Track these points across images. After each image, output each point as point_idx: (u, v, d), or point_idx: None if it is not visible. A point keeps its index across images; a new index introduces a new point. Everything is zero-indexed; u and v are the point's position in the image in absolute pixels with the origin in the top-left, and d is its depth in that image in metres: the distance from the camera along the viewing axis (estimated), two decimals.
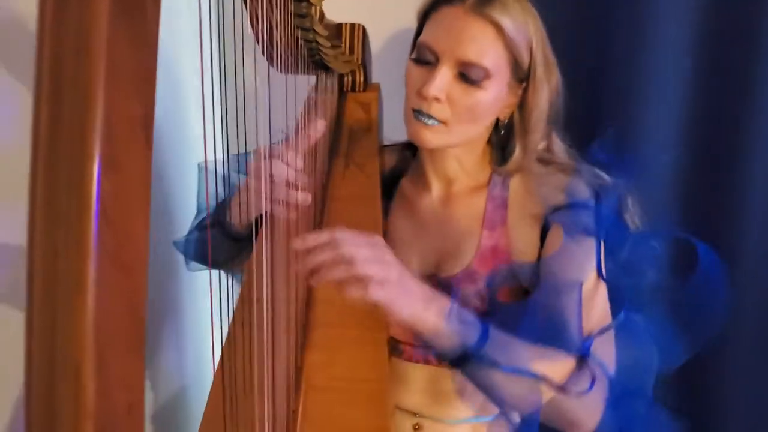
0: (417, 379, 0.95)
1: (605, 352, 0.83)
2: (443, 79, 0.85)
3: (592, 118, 1.28)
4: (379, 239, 0.73)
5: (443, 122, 0.87)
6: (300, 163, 0.80)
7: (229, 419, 0.70)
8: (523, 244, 0.91)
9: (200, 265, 1.03)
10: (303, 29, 0.72)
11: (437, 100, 0.86)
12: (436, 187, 0.99)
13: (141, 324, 0.39)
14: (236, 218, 0.89)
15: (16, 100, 0.89)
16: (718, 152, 1.23)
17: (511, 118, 0.93)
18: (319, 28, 0.73)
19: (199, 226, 1.01)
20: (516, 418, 0.89)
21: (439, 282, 0.93)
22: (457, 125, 0.88)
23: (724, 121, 1.21)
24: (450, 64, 0.85)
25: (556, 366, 0.79)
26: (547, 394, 0.78)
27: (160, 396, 1.28)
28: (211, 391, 0.76)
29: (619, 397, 0.82)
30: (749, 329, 1.26)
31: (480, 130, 0.92)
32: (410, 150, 1.05)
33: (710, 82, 1.21)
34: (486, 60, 0.84)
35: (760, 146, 1.19)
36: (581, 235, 0.86)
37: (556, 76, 0.92)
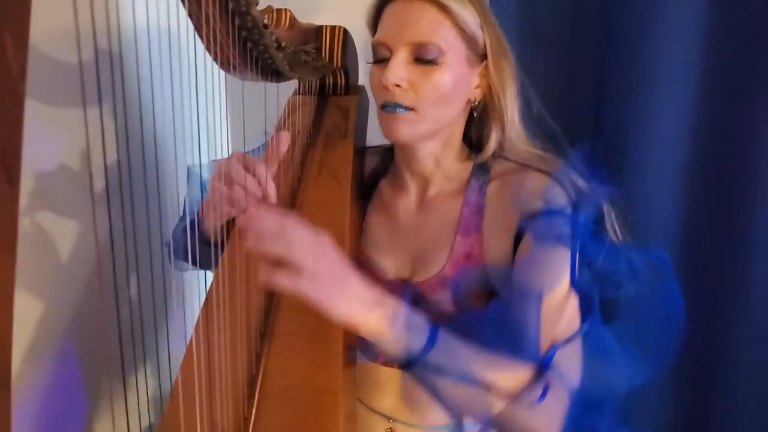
0: (391, 383, 0.95)
1: (570, 363, 0.80)
2: (399, 64, 0.86)
3: (594, 119, 1.24)
4: (328, 240, 0.71)
5: (412, 109, 0.87)
6: (262, 172, 0.80)
7: (187, 421, 0.71)
8: (497, 251, 0.89)
9: (186, 265, 1.05)
10: (251, 41, 0.72)
11: (398, 86, 0.87)
12: (412, 189, 0.98)
13: (4, 357, 0.40)
14: (207, 224, 0.90)
15: None
16: (727, 152, 1.18)
17: (484, 101, 0.93)
18: (268, 40, 0.72)
19: (182, 229, 1.03)
20: (470, 426, 0.88)
21: (412, 287, 0.92)
22: (426, 109, 0.88)
23: (733, 120, 1.16)
24: (403, 50, 0.87)
25: (508, 375, 0.77)
26: (498, 403, 0.76)
27: (164, 385, 1.32)
28: (172, 392, 0.78)
29: (583, 410, 0.80)
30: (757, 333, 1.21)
31: (452, 113, 0.91)
32: (391, 152, 1.04)
33: (718, 81, 1.15)
34: (436, 37, 0.85)
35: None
36: (554, 243, 0.83)
37: (512, 58, 0.93)
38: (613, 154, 1.22)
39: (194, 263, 1.01)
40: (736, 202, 1.18)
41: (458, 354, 0.75)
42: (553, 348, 0.80)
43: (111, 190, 1.13)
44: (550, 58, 1.23)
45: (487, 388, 0.75)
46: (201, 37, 0.70)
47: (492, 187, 0.93)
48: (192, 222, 0.99)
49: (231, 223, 0.88)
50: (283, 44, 0.81)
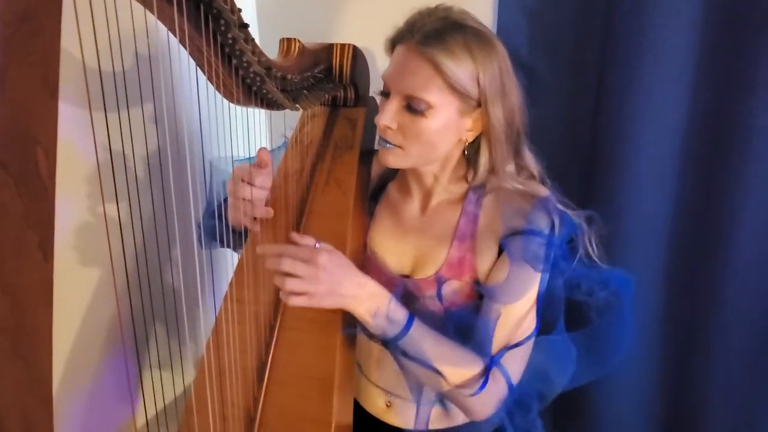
0: (387, 361, 1.05)
1: (515, 363, 0.95)
2: (391, 110, 0.95)
3: (593, 116, 1.31)
4: (320, 254, 0.86)
5: (399, 146, 0.97)
6: (266, 183, 0.98)
7: (212, 399, 0.87)
8: (486, 258, 1.00)
9: (215, 243, 1.18)
10: (255, 86, 0.83)
11: (389, 128, 0.96)
12: (416, 197, 1.08)
13: (46, 381, 0.55)
14: (231, 220, 1.07)
15: None
16: (717, 149, 1.23)
17: (478, 137, 0.99)
18: (270, 87, 0.83)
19: (209, 215, 1.16)
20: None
21: (410, 284, 1.04)
22: (411, 149, 0.97)
23: (723, 120, 1.21)
24: (397, 97, 0.95)
25: (459, 368, 0.92)
26: (446, 387, 0.93)
27: (200, 347, 1.49)
28: (198, 373, 0.94)
29: (517, 401, 0.96)
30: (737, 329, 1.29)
31: (439, 153, 0.99)
32: None
33: (710, 82, 1.20)
34: (426, 94, 0.91)
35: (759, 149, 1.18)
36: (526, 262, 0.94)
37: (513, 99, 0.96)
38: (609, 149, 1.29)
39: (221, 243, 1.16)
40: (722, 200, 1.24)
41: (423, 346, 0.91)
42: (504, 349, 0.94)
43: (153, 179, 1.26)
44: (555, 61, 1.30)
45: (440, 375, 0.91)
46: (203, 72, 0.79)
47: (487, 200, 1.02)
48: (217, 209, 1.13)
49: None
50: (289, 77, 0.92)
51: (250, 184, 0.98)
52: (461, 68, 0.91)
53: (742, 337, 1.29)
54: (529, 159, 1.03)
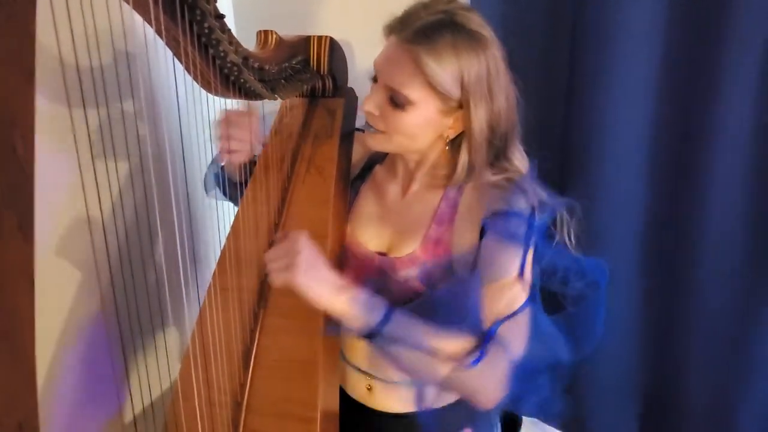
0: (365, 345, 1.04)
1: (514, 337, 0.93)
2: (376, 97, 0.98)
3: (566, 104, 1.33)
4: (304, 241, 0.89)
5: (381, 132, 1.00)
6: (250, 123, 1.05)
7: (198, 385, 0.89)
8: (463, 241, 1.01)
9: (218, 193, 1.25)
10: (233, 75, 0.84)
11: (371, 114, 0.98)
12: (401, 178, 1.10)
13: (29, 361, 0.56)
14: (228, 167, 1.14)
15: None
16: (684, 138, 1.26)
17: (461, 135, 1.00)
18: (247, 75, 0.85)
19: (213, 167, 1.22)
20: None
21: (386, 262, 1.05)
22: (393, 136, 0.99)
23: (693, 109, 1.23)
24: (383, 87, 0.97)
25: (451, 343, 0.90)
26: (444, 369, 0.90)
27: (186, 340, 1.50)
28: (184, 360, 0.95)
29: (523, 377, 0.93)
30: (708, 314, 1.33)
31: (420, 145, 1.01)
32: None
33: (682, 71, 1.22)
34: (406, 89, 0.93)
35: (727, 133, 1.21)
36: (507, 240, 0.95)
37: (501, 103, 0.96)
38: (579, 140, 1.32)
39: (221, 193, 1.23)
40: (692, 179, 1.27)
41: (409, 327, 0.90)
42: (497, 323, 0.92)
43: (133, 174, 1.27)
44: (529, 48, 1.32)
45: (433, 354, 0.89)
46: (180, 61, 0.80)
47: (468, 187, 1.03)
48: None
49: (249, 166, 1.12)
50: (267, 67, 0.93)
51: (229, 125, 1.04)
52: (444, 69, 0.91)
53: (715, 311, 1.32)
54: (518, 161, 1.02)
